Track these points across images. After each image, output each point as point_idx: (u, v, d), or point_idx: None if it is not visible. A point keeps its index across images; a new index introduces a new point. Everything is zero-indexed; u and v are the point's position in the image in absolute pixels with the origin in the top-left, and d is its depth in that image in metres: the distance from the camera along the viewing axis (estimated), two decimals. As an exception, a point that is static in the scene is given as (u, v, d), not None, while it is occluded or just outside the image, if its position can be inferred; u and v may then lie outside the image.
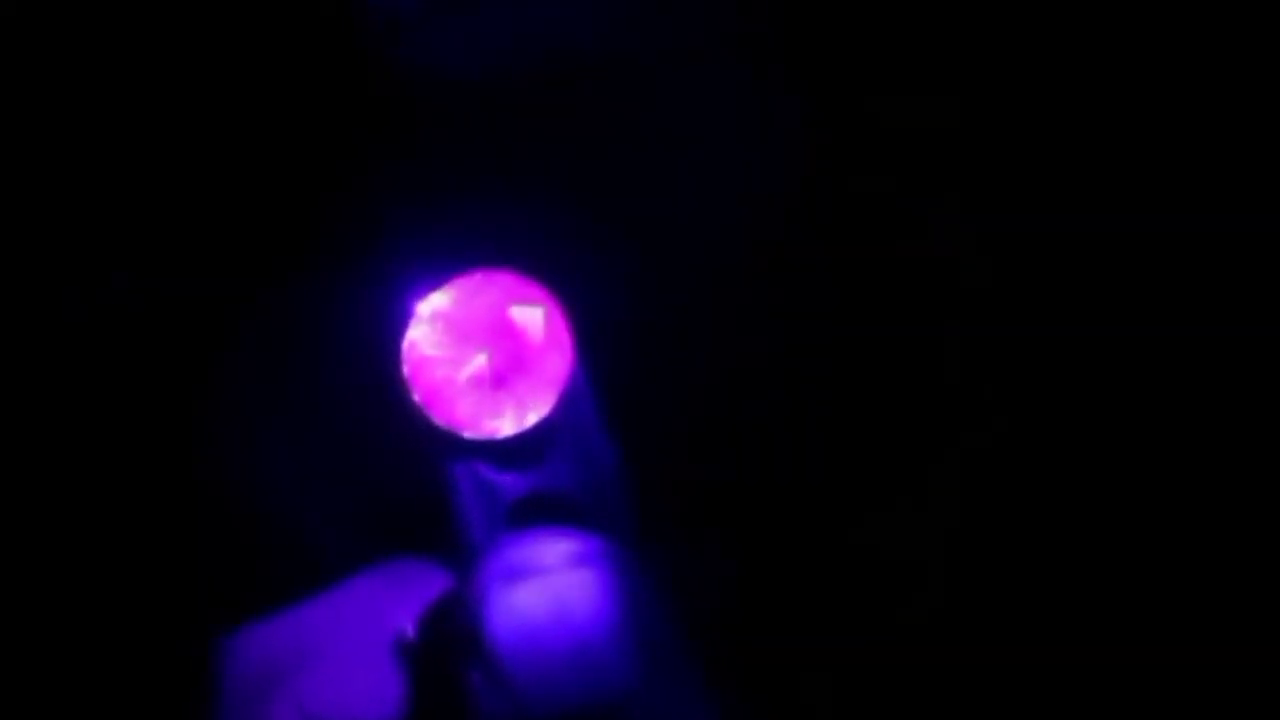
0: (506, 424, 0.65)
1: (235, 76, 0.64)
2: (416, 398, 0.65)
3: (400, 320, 0.65)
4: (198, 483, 0.68)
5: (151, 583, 0.68)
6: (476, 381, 0.66)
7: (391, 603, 0.63)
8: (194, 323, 0.67)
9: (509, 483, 0.65)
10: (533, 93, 0.66)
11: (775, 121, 0.66)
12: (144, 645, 0.67)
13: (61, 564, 0.68)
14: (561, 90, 0.66)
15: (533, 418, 0.65)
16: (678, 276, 0.66)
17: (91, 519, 0.68)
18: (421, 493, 0.66)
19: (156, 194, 0.66)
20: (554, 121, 0.67)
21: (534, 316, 0.66)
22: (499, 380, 0.66)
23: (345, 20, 0.62)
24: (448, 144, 0.66)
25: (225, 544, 0.67)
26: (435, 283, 0.66)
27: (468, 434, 0.65)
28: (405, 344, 0.65)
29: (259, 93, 0.65)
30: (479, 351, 0.66)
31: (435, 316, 0.66)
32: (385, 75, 0.64)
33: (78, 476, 0.68)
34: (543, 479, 0.65)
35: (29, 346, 0.67)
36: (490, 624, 0.56)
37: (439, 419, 0.65)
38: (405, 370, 0.65)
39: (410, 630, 0.61)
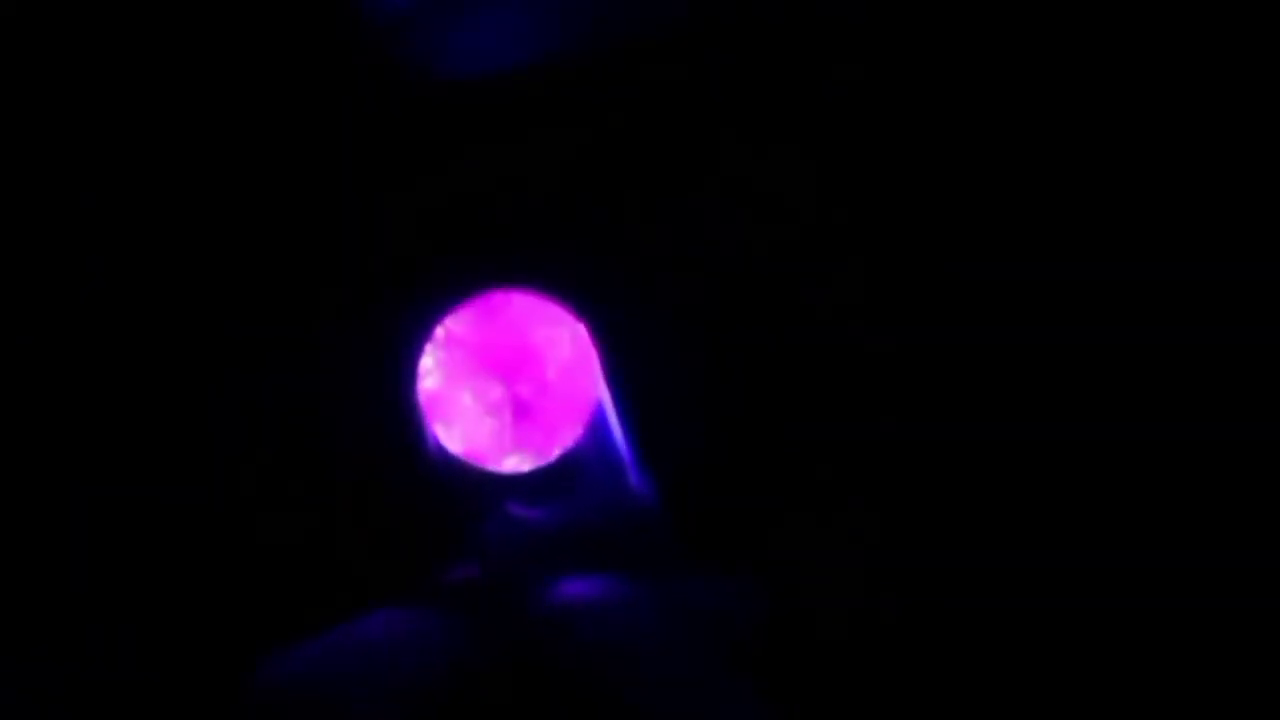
0: (531, 456, 0.61)
1: (243, 83, 0.60)
2: (433, 430, 0.61)
3: (413, 346, 0.61)
4: (207, 513, 0.63)
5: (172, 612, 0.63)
6: (497, 411, 0.61)
7: (412, 651, 0.58)
8: (195, 351, 0.61)
9: (536, 517, 0.61)
10: (545, 94, 0.62)
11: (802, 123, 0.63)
12: (169, 674, 0.62)
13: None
14: (577, 90, 0.62)
15: (559, 449, 0.61)
16: (707, 292, 0.62)
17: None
18: (438, 527, 0.61)
19: (160, 203, 0.61)
20: (570, 129, 0.62)
21: (558, 339, 0.62)
22: (522, 409, 0.61)
23: (348, 25, 0.58)
24: (455, 157, 0.62)
25: (239, 573, 0.62)
26: (449, 305, 0.61)
27: (490, 468, 0.61)
28: (420, 372, 0.61)
29: (271, 101, 0.60)
30: (499, 379, 0.61)
31: (451, 342, 0.61)
32: (395, 83, 0.60)
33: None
34: (572, 511, 0.61)
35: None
36: (544, 657, 0.52)
37: (458, 453, 0.61)
38: (420, 400, 0.60)
39: (435, 679, 0.57)
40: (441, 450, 0.61)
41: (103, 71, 0.60)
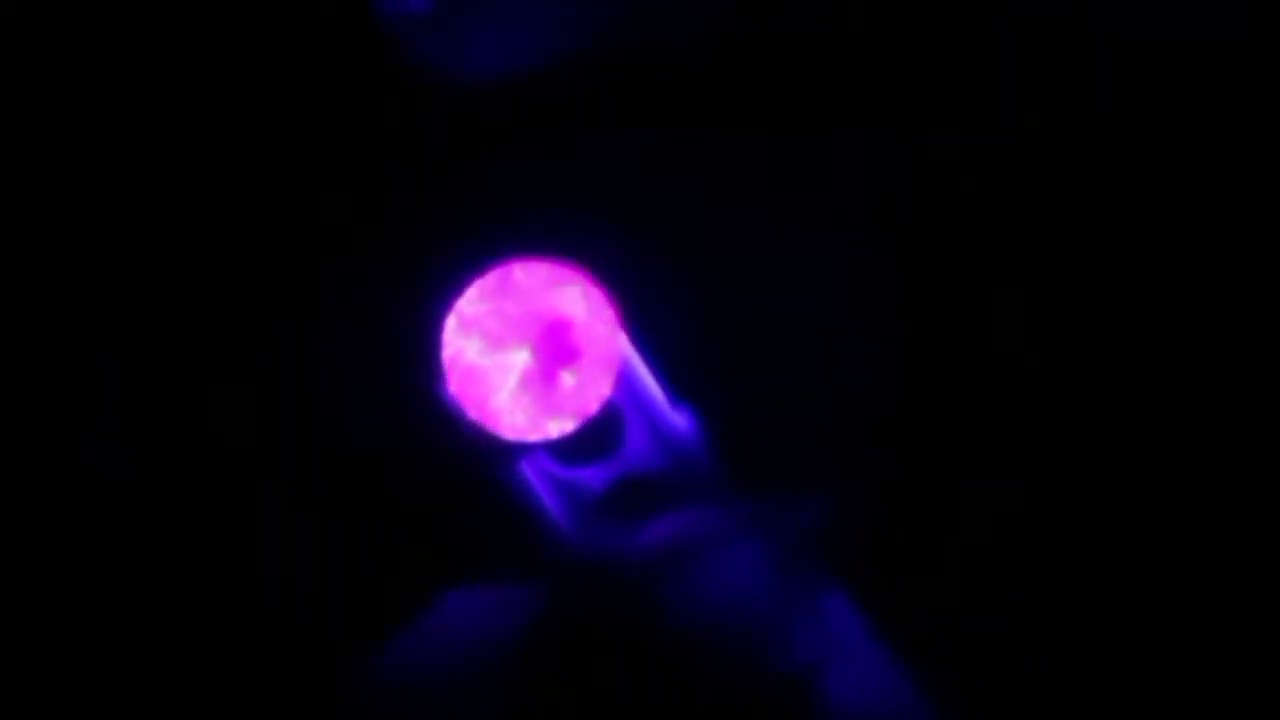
0: (569, 418, 0.61)
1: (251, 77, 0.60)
2: (471, 415, 0.61)
3: (435, 332, 0.61)
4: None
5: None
6: (528, 381, 0.61)
7: (488, 623, 0.59)
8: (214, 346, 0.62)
9: (590, 476, 0.61)
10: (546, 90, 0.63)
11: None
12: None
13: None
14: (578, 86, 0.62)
15: (595, 404, 0.61)
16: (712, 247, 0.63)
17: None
18: (496, 510, 0.61)
19: (170, 202, 0.62)
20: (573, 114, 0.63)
21: (571, 297, 0.62)
22: (550, 373, 0.61)
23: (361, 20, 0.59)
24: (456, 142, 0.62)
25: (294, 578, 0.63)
26: (462, 285, 0.61)
27: (533, 439, 0.61)
28: (446, 357, 0.61)
29: (277, 93, 0.61)
30: (522, 350, 0.61)
31: (469, 321, 0.61)
32: (405, 74, 0.60)
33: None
34: (623, 465, 0.61)
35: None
36: (656, 616, 0.52)
37: (499, 431, 0.61)
38: (452, 386, 0.61)
39: (516, 648, 0.58)
40: (481, 433, 0.61)
41: (115, 70, 0.60)
